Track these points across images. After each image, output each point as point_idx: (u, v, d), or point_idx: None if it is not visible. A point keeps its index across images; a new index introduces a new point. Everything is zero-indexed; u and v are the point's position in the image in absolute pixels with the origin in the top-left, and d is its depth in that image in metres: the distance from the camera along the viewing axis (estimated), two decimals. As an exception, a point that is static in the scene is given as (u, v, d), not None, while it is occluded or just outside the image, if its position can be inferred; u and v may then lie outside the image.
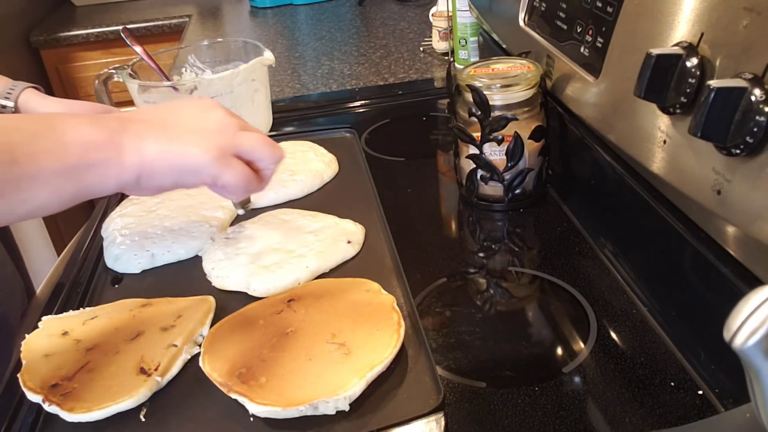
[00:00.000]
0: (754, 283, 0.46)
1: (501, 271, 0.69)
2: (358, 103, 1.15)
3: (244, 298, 0.64)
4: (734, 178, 0.45)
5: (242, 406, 0.50)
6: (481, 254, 0.73)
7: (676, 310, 0.58)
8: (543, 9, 0.82)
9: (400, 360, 0.54)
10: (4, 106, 0.78)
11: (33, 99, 0.80)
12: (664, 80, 0.49)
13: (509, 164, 0.75)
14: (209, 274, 0.68)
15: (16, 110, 0.79)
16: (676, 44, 0.51)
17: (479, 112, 0.73)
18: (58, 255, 0.99)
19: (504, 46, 0.99)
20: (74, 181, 0.47)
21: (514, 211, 0.79)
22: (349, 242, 0.69)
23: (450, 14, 1.21)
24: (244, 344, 0.56)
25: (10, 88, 0.79)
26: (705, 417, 0.49)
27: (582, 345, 0.57)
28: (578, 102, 0.71)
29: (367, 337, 0.54)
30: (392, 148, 0.97)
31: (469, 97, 0.74)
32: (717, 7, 0.48)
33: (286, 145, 0.89)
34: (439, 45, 1.36)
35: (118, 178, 0.49)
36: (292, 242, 0.69)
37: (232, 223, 0.77)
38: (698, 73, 0.48)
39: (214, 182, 0.53)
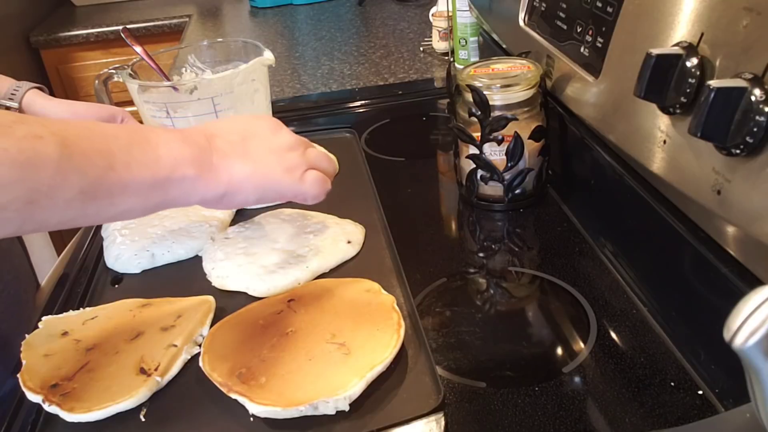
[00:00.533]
0: (754, 283, 0.46)
1: (501, 271, 0.69)
2: (358, 103, 1.15)
3: (244, 298, 0.64)
4: (734, 178, 0.45)
5: (242, 406, 0.50)
6: (481, 254, 0.73)
7: (676, 310, 0.58)
8: (543, 9, 0.82)
9: (400, 360, 0.54)
10: (8, 107, 0.79)
11: (37, 100, 0.81)
12: (664, 80, 0.49)
13: (509, 164, 0.75)
14: (209, 274, 0.68)
15: (20, 111, 0.80)
16: (676, 44, 0.51)
17: (479, 112, 0.73)
18: (58, 255, 0.99)
19: (504, 46, 0.98)
20: (161, 193, 0.48)
21: (514, 211, 0.79)
22: (349, 242, 0.69)
23: (450, 14, 1.21)
24: (244, 344, 0.56)
25: (15, 88, 0.80)
26: (705, 417, 0.49)
27: (582, 345, 0.57)
28: (578, 102, 0.71)
29: (367, 337, 0.54)
30: (392, 148, 0.97)
31: (469, 97, 0.74)
32: (717, 7, 0.48)
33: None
34: (439, 45, 1.36)
35: (204, 193, 0.51)
36: (292, 242, 0.69)
37: (232, 223, 0.77)
38: (698, 73, 0.48)
39: (294, 197, 0.58)
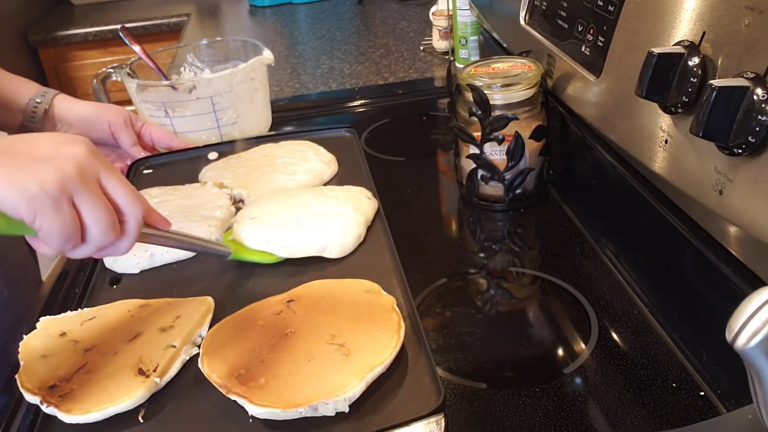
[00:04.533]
0: (757, 283, 0.46)
1: (501, 272, 0.69)
2: (357, 103, 1.14)
3: (243, 299, 0.64)
4: (736, 177, 0.45)
5: (241, 408, 0.50)
6: (481, 254, 0.73)
7: (677, 310, 0.57)
8: (544, 8, 0.82)
9: (400, 361, 0.54)
10: (39, 103, 0.85)
11: (63, 101, 0.87)
12: (666, 79, 0.49)
13: (510, 164, 0.75)
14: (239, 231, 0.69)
15: (50, 108, 0.86)
16: (678, 43, 0.50)
17: (480, 112, 0.73)
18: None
19: (505, 45, 0.98)
20: None
21: (515, 211, 0.79)
22: (369, 198, 0.72)
23: (450, 13, 1.20)
24: (244, 345, 0.55)
25: (43, 92, 0.86)
26: (707, 418, 0.49)
27: (583, 346, 0.57)
28: (579, 101, 0.71)
29: (366, 338, 0.54)
30: (392, 147, 0.97)
31: (469, 96, 0.73)
32: (719, 5, 0.48)
33: (286, 145, 0.89)
34: (440, 44, 1.36)
35: None
36: (315, 206, 0.71)
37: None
38: (700, 72, 0.48)
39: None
